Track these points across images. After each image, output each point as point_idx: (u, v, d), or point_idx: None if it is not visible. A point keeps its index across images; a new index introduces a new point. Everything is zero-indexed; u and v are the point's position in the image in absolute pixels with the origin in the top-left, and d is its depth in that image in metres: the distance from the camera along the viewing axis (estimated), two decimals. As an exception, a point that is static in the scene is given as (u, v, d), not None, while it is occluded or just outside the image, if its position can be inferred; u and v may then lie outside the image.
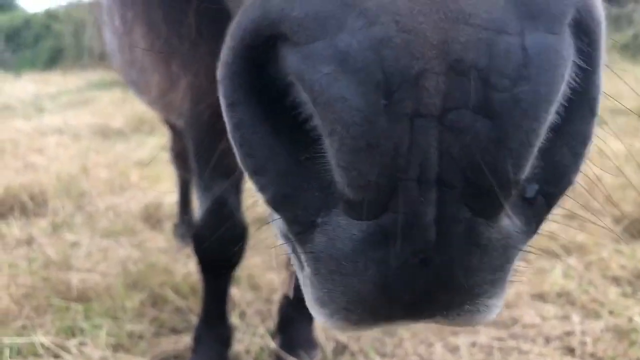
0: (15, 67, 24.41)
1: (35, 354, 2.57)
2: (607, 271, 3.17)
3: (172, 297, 3.03)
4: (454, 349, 2.58)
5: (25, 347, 2.62)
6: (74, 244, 3.84)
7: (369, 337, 2.67)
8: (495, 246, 0.63)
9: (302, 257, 0.70)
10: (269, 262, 3.55)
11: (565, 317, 2.78)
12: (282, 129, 0.65)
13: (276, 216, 0.70)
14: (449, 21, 0.55)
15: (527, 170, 0.60)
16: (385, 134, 0.55)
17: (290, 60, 0.58)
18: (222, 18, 1.37)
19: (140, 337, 2.76)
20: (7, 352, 2.57)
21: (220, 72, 0.66)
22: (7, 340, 2.64)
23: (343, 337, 2.69)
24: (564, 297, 2.97)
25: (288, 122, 0.64)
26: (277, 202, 0.66)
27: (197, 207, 2.28)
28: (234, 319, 2.77)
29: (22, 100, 12.82)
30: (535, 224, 0.67)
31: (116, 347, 2.65)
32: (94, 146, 7.19)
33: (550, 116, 0.59)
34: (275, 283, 3.22)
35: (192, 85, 1.74)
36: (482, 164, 0.56)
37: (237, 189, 2.20)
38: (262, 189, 0.66)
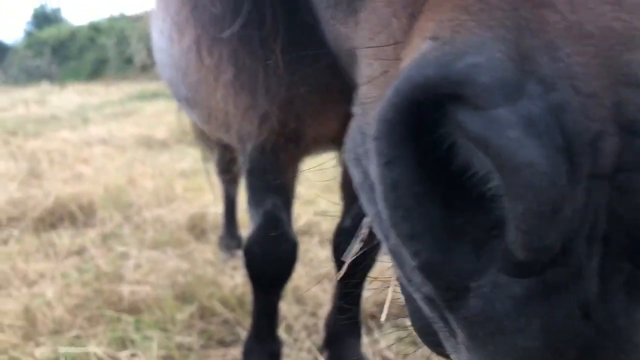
0: (61, 78, 25.18)
1: (89, 365, 2.64)
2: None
3: (220, 310, 3.06)
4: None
5: (79, 357, 2.69)
6: (123, 255, 3.93)
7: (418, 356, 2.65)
8: None
9: (453, 323, 0.68)
10: (314, 274, 3.56)
11: None
12: (437, 191, 0.64)
13: (419, 281, 0.68)
14: (622, 84, 0.56)
15: None
16: (568, 197, 0.56)
17: (471, 123, 0.58)
18: (301, 52, 1.41)
19: (189, 349, 2.80)
20: (62, 361, 2.64)
21: (376, 128, 0.64)
22: (62, 349, 2.72)
23: (391, 354, 2.68)
24: None
25: (443, 184, 0.64)
26: (431, 269, 0.64)
27: (249, 222, 2.31)
28: (280, 333, 2.78)
29: (68, 111, 13.24)
30: None
31: (166, 359, 2.69)
32: (139, 157, 7.35)
33: None
34: (321, 296, 3.23)
35: (268, 114, 1.78)
36: None
37: (288, 205, 2.22)
38: (415, 254, 0.65)
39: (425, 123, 0.63)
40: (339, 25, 0.99)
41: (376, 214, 0.75)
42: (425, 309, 0.73)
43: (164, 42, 2.60)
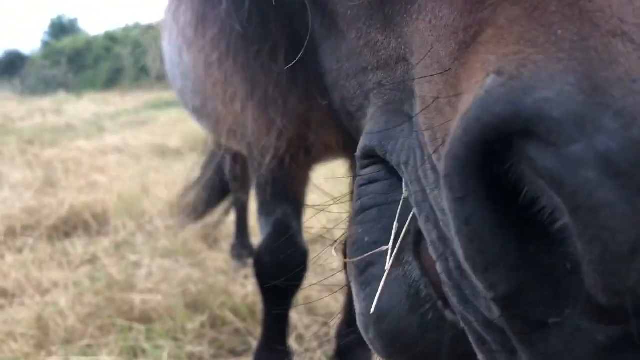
0: (77, 88, 25.48)
1: (101, 374, 2.64)
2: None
3: (231, 319, 3.05)
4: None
5: (91, 366, 2.69)
6: (136, 264, 3.93)
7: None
8: None
9: (524, 355, 0.67)
10: (325, 283, 3.54)
11: None
12: (510, 222, 0.63)
13: (492, 312, 0.67)
14: None
15: None
16: None
17: (544, 161, 0.56)
18: (313, 70, 1.40)
19: (200, 358, 2.79)
20: (74, 371, 2.64)
21: (447, 165, 0.64)
22: (74, 358, 2.72)
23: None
24: None
25: (513, 217, 0.63)
26: (508, 300, 0.63)
27: (259, 231, 2.30)
28: (291, 342, 2.76)
29: (84, 120, 13.38)
30: None
31: (177, 369, 2.69)
32: (153, 165, 7.39)
33: None
34: (333, 306, 3.20)
35: (284, 129, 1.77)
36: None
37: (298, 214, 2.21)
38: (492, 286, 0.63)
39: (494, 157, 0.62)
40: (374, 33, 0.96)
41: (438, 236, 0.75)
42: (479, 329, 0.72)
43: (174, 53, 2.60)
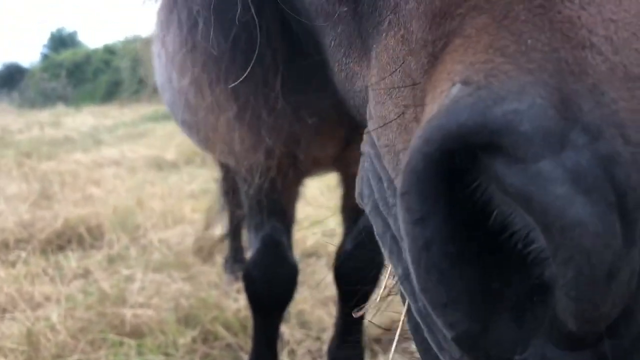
0: (76, 100, 25.53)
1: (90, 390, 2.61)
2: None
3: (222, 334, 3.03)
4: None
5: (81, 382, 2.67)
6: (128, 278, 3.92)
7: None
8: None
9: None
10: (319, 297, 3.52)
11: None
12: (473, 251, 0.58)
13: (454, 352, 0.62)
14: None
15: None
16: (624, 260, 0.51)
17: (511, 177, 0.53)
18: (303, 89, 1.39)
19: (191, 374, 2.77)
20: (63, 387, 2.62)
21: (405, 181, 0.59)
22: (63, 375, 2.70)
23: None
24: None
25: (478, 243, 0.58)
26: (469, 341, 0.58)
27: (249, 246, 2.29)
28: (283, 357, 2.74)
29: (82, 133, 13.38)
30: None
31: (168, 384, 2.66)
32: (149, 178, 7.38)
33: None
34: (326, 320, 3.19)
35: (273, 149, 1.77)
36: None
37: (288, 228, 2.21)
38: (451, 325, 0.58)
39: (458, 175, 0.58)
40: (352, 64, 0.93)
41: (404, 272, 0.69)
42: None
43: (164, 75, 2.61)
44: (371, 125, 0.79)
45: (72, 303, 3.52)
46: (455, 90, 0.58)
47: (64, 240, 4.82)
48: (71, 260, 4.34)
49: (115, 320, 3.19)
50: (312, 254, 4.29)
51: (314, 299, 3.46)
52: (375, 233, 0.77)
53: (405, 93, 0.71)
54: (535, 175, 0.51)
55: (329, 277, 3.88)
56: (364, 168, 0.82)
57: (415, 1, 0.70)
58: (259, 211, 2.15)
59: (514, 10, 0.59)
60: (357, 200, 0.85)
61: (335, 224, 4.32)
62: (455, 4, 0.64)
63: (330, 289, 3.62)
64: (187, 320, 3.19)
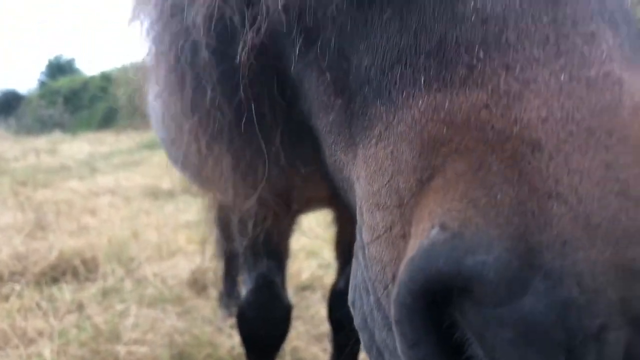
0: (73, 127, 25.58)
1: None
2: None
3: (216, 371, 3.01)
4: None
5: (73, 422, 2.64)
6: (122, 313, 3.89)
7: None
8: None
9: None
10: (314, 332, 3.51)
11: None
12: None
13: None
14: (628, 279, 0.57)
15: None
16: None
17: (471, 317, 0.61)
18: (299, 143, 1.42)
19: (185, 413, 2.74)
20: None
21: (396, 312, 0.68)
22: (55, 414, 2.67)
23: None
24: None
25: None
26: None
27: (243, 284, 2.30)
28: (278, 395, 2.72)
29: (78, 161, 13.40)
30: None
31: None
32: (144, 207, 7.38)
33: None
34: (321, 357, 3.17)
35: (268, 200, 1.79)
36: None
37: (281, 267, 2.22)
38: None
39: (441, 307, 0.66)
40: (340, 152, 0.99)
41: None
42: None
43: (157, 113, 2.61)
44: (365, 232, 0.84)
45: (66, 339, 3.49)
46: (434, 232, 0.66)
47: (59, 272, 4.79)
48: (65, 293, 4.31)
49: (109, 358, 3.17)
50: (307, 287, 4.29)
51: (309, 335, 3.45)
52: (362, 345, 0.85)
53: (393, 209, 0.77)
54: (490, 319, 0.59)
55: (323, 312, 3.87)
56: (356, 277, 0.89)
57: (406, 126, 0.76)
58: (252, 251, 2.16)
59: (487, 161, 0.65)
60: (350, 306, 0.93)
61: (330, 257, 4.32)
62: (441, 142, 0.70)
63: (325, 325, 3.61)
64: (181, 358, 3.17)
